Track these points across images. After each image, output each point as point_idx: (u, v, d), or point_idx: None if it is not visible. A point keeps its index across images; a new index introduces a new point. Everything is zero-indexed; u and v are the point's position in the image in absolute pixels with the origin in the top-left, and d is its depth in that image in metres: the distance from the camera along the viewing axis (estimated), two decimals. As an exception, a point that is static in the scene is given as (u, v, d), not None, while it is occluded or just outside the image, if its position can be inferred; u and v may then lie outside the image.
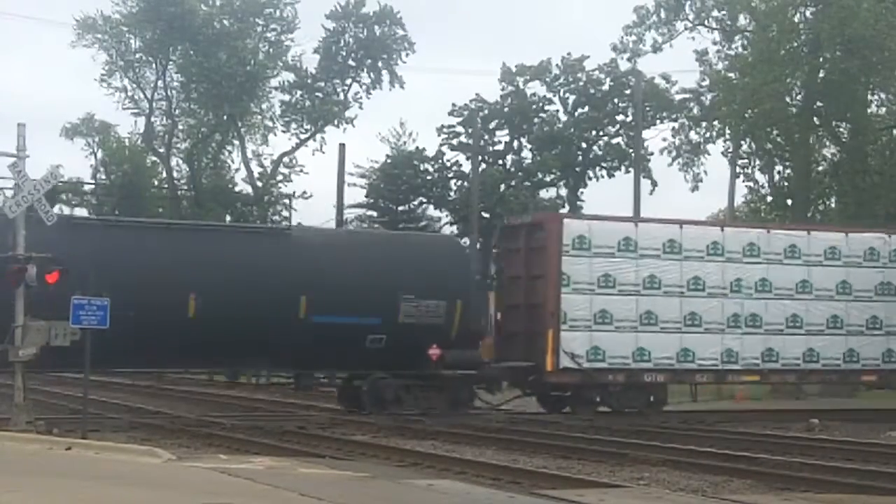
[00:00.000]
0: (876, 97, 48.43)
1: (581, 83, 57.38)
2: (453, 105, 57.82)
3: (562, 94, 57.92)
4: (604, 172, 57.70)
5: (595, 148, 58.16)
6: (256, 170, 56.77)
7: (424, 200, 56.67)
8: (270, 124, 56.18)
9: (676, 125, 55.16)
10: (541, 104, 58.05)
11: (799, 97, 47.32)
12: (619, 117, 57.72)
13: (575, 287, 29.20)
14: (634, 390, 30.26)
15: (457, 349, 28.47)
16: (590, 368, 29.30)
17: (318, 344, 26.92)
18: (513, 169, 58.16)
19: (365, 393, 28.46)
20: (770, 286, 31.15)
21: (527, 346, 29.72)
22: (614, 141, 57.89)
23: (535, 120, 57.99)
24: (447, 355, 28.21)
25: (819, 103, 46.72)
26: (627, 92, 55.60)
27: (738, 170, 53.39)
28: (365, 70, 54.75)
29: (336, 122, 54.45)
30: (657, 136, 56.13)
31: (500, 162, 58.59)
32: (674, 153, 54.49)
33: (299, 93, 54.86)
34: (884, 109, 48.98)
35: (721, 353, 30.71)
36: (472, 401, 29.67)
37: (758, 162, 52.37)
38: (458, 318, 28.64)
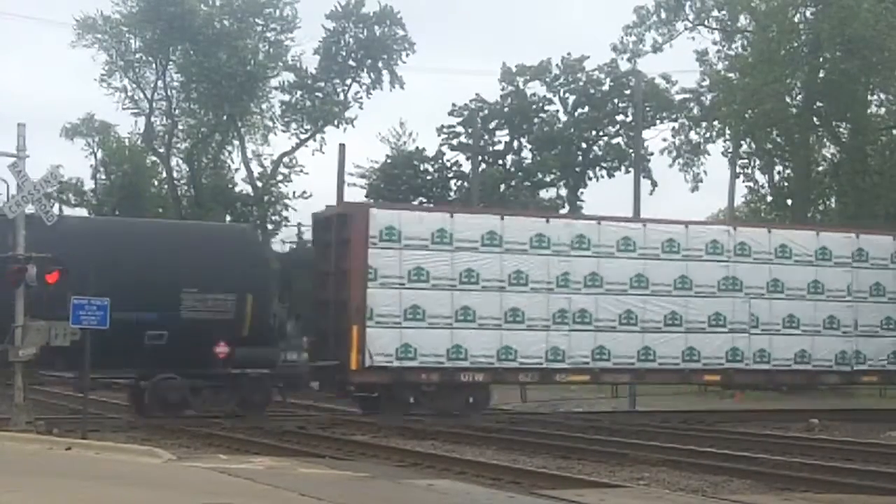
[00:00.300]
0: (876, 97, 48.48)
1: (581, 83, 57.38)
2: (453, 105, 57.92)
3: (562, 94, 57.94)
4: (604, 172, 57.72)
5: (595, 148, 58.18)
6: (256, 170, 56.75)
7: (424, 200, 56.62)
8: (270, 124, 56.16)
9: (676, 125, 55.28)
10: (541, 104, 58.07)
11: (799, 97, 47.38)
12: (619, 117, 57.74)
13: (383, 281, 27.60)
14: (451, 390, 28.63)
15: (249, 346, 26.45)
16: (399, 367, 27.83)
17: (91, 342, 24.17)
18: (513, 169, 58.18)
19: (147, 394, 26.52)
20: (601, 281, 29.66)
21: (335, 344, 28.08)
22: (614, 141, 57.91)
23: (535, 120, 58.00)
24: (237, 353, 26.18)
25: (819, 103, 46.77)
26: (627, 92, 55.59)
27: (738, 170, 53.47)
28: (365, 70, 54.69)
29: (336, 123, 54.39)
30: (657, 136, 56.28)
31: (500, 162, 58.60)
32: (674, 153, 54.58)
33: (299, 93, 54.83)
34: (884, 109, 49.02)
35: (546, 352, 29.15)
36: (269, 402, 27.75)
37: (758, 162, 52.43)
38: (250, 312, 26.78)
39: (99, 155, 62.23)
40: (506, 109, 57.74)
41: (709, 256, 30.75)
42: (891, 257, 32.68)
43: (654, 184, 55.98)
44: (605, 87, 57.25)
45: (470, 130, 55.72)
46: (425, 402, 28.57)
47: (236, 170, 57.61)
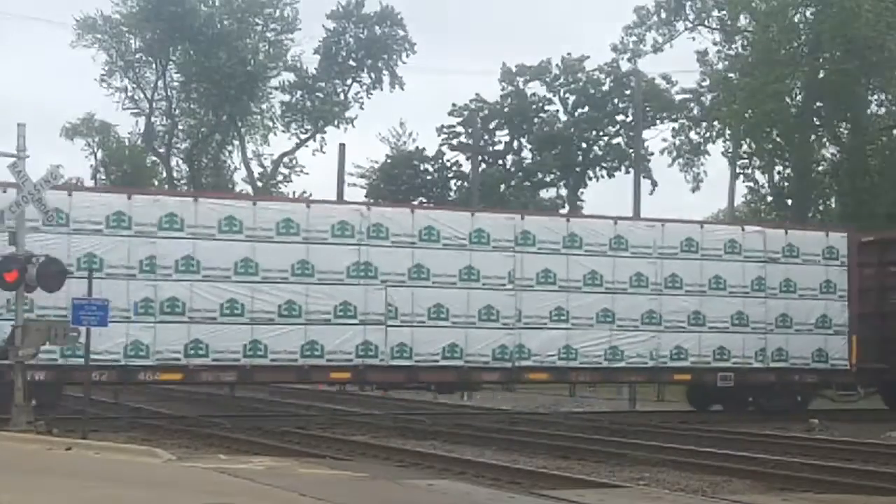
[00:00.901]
0: (876, 97, 48.46)
1: (581, 83, 57.44)
2: (453, 105, 58.06)
3: (562, 94, 58.03)
4: (604, 172, 57.83)
5: (595, 148, 58.24)
6: (256, 170, 56.94)
7: (424, 200, 56.69)
8: (271, 124, 56.32)
9: (676, 125, 55.29)
10: (541, 104, 58.15)
11: (799, 97, 47.35)
12: (619, 117, 57.83)
13: None
14: (2, 391, 24.26)
15: None
16: None
17: None
18: (513, 169, 58.24)
19: None
20: (198, 266, 26.07)
21: None
22: (614, 141, 57.99)
23: (535, 120, 58.07)
24: None
25: (819, 103, 46.76)
26: (627, 92, 55.66)
27: (738, 170, 53.49)
28: (365, 70, 54.83)
29: (336, 123, 54.53)
30: (657, 136, 56.26)
31: (500, 162, 58.67)
32: (674, 153, 54.59)
33: (299, 93, 54.93)
34: (884, 109, 49.00)
35: (126, 347, 25.52)
36: None
37: (758, 162, 52.42)
38: None
39: (99, 155, 62.37)
40: (506, 109, 57.80)
41: (336, 239, 27.22)
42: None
43: (654, 184, 56.12)
44: (605, 87, 57.31)
45: (470, 130, 55.79)
46: None
47: (236, 170, 57.75)
